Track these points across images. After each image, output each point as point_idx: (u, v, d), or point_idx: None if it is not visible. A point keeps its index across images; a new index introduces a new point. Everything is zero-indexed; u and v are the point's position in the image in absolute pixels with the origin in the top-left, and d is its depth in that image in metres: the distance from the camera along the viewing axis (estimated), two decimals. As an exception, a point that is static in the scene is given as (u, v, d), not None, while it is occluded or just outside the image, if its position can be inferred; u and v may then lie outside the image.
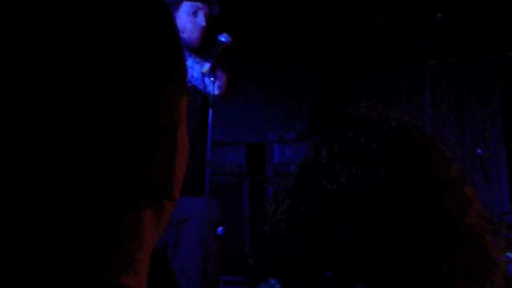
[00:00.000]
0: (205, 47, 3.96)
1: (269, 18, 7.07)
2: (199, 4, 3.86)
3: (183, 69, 0.74)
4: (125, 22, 0.66)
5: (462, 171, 1.17)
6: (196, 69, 3.76)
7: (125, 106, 0.66)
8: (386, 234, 1.05)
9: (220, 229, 3.77)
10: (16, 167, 0.62)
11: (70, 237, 0.65)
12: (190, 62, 3.74)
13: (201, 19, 3.84)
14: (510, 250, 4.84)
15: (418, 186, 1.07)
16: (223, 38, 3.85)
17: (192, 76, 3.73)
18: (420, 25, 6.93)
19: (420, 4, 6.86)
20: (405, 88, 8.13)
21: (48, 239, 0.64)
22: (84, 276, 0.64)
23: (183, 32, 3.78)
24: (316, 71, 8.51)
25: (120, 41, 0.66)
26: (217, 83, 3.75)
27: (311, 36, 7.88)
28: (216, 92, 3.75)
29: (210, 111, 3.67)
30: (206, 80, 3.76)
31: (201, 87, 3.77)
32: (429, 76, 7.04)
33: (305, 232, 1.08)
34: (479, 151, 5.91)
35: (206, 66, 3.72)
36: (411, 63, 7.72)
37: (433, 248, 1.05)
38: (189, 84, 3.72)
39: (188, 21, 3.83)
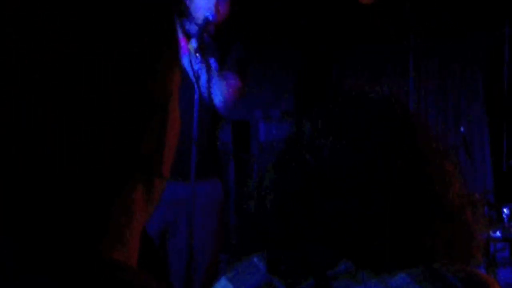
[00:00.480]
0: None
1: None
2: None
3: (175, 45, 0.74)
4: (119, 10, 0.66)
5: (444, 147, 1.18)
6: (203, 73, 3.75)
7: (117, 77, 0.66)
8: (372, 207, 1.06)
9: None
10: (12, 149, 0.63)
11: (61, 211, 0.65)
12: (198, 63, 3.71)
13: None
14: (492, 229, 4.88)
15: (402, 158, 1.08)
16: (208, 14, 3.81)
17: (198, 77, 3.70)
18: (405, 2, 6.95)
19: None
20: (390, 66, 8.15)
21: (40, 216, 0.65)
22: (74, 250, 0.64)
23: (199, 11, 3.77)
24: (302, 48, 8.50)
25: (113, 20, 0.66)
26: (223, 87, 3.76)
27: (297, 12, 7.87)
28: (219, 99, 3.76)
29: (196, 88, 3.65)
30: (214, 84, 3.77)
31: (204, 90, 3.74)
32: (413, 54, 7.07)
33: (289, 207, 1.09)
34: (462, 128, 5.95)
35: (193, 45, 3.69)
36: (396, 41, 7.72)
37: (417, 220, 1.07)
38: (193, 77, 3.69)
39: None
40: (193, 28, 3.77)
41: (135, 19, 0.67)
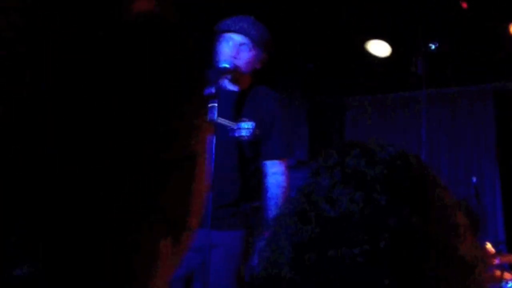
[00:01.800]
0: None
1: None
2: (229, 34, 3.92)
3: (201, 102, 0.73)
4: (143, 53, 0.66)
5: (456, 198, 1.19)
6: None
7: (134, 141, 0.65)
8: (387, 260, 1.07)
9: None
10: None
11: (86, 268, 0.64)
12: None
13: (230, 47, 3.88)
14: (505, 280, 4.86)
15: (416, 212, 1.10)
16: (225, 64, 3.86)
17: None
18: (417, 53, 7.00)
19: (416, 32, 6.91)
20: (402, 116, 8.17)
21: (62, 267, 0.65)
22: None
23: (224, 61, 3.85)
24: (315, 96, 8.54)
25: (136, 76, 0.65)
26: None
27: (309, 62, 7.93)
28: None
29: (213, 139, 3.65)
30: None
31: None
32: (426, 104, 7.11)
33: (307, 257, 1.10)
34: (474, 179, 5.95)
35: (209, 92, 3.70)
36: (409, 91, 7.76)
37: (428, 275, 1.08)
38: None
39: (223, 49, 3.90)
40: (213, 76, 3.82)
41: (168, 61, 0.67)
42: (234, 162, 3.91)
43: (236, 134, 3.91)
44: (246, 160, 3.96)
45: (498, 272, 4.87)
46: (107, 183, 0.63)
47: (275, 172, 3.95)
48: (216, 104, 3.64)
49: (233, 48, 3.87)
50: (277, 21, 6.85)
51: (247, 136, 3.91)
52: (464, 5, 6.39)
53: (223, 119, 3.85)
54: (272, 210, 3.77)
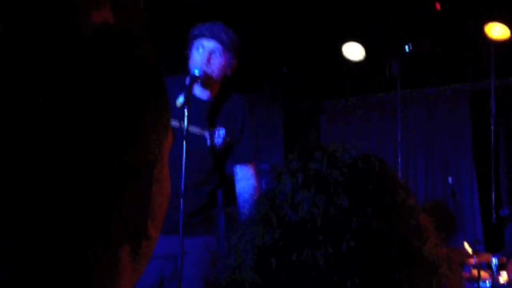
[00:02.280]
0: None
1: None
2: (200, 40, 3.90)
3: (162, 110, 0.73)
4: (101, 59, 0.66)
5: (417, 201, 1.19)
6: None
7: (94, 145, 0.65)
8: (350, 262, 1.07)
9: None
10: None
11: (47, 276, 0.64)
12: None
13: (204, 55, 3.86)
14: (482, 280, 4.89)
15: (378, 214, 1.10)
16: (196, 70, 3.86)
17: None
18: (391, 55, 7.03)
19: (390, 35, 6.94)
20: (378, 118, 8.21)
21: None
22: None
23: (195, 68, 3.83)
24: (289, 102, 8.56)
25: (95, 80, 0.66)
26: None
27: (283, 65, 7.95)
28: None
29: (184, 144, 3.66)
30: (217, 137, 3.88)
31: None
32: (401, 106, 7.13)
33: (270, 260, 1.10)
34: (450, 179, 5.98)
35: (181, 99, 3.70)
36: (384, 93, 7.80)
37: (391, 277, 1.08)
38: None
39: (195, 56, 3.88)
40: (185, 83, 3.81)
41: (118, 73, 0.67)
42: (206, 169, 3.93)
43: (208, 142, 3.91)
44: (217, 167, 3.98)
45: (475, 272, 4.90)
46: (62, 190, 0.62)
47: (246, 177, 3.99)
48: (186, 112, 3.64)
49: (204, 55, 3.86)
50: (251, 25, 6.86)
51: (218, 143, 3.93)
52: (438, 6, 6.42)
53: (194, 127, 3.84)
54: (246, 214, 3.77)
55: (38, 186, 0.64)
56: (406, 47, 6.91)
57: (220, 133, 3.94)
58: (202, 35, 3.90)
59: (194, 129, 3.85)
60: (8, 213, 0.64)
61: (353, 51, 7.23)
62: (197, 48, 3.89)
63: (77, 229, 0.66)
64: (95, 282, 0.67)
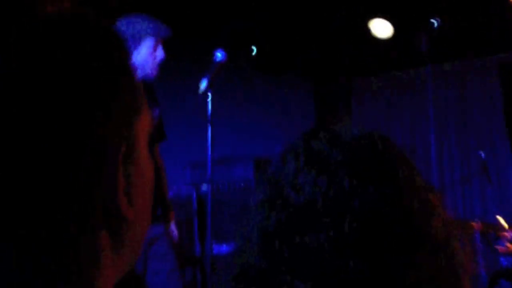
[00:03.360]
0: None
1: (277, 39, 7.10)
2: (158, 38, 3.86)
3: (126, 90, 0.73)
4: (70, 42, 0.67)
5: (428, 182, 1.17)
6: None
7: (65, 122, 0.65)
8: (352, 243, 1.06)
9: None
10: None
11: (25, 266, 0.65)
12: None
13: (161, 53, 3.83)
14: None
15: (381, 192, 1.08)
16: (219, 54, 3.87)
17: None
18: (419, 30, 6.96)
19: (417, 9, 6.87)
20: (409, 93, 8.13)
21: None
22: None
23: (143, 66, 3.79)
24: (320, 80, 8.53)
25: (62, 57, 0.66)
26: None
27: (310, 45, 7.90)
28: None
29: (209, 128, 3.69)
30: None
31: None
32: (431, 80, 7.06)
33: (275, 244, 1.09)
34: (481, 153, 5.90)
35: (203, 84, 3.73)
36: (413, 69, 7.73)
37: (399, 255, 1.07)
38: None
39: (149, 55, 3.81)
40: None
41: (81, 42, 0.67)
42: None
43: None
44: None
45: (510, 245, 4.85)
46: (39, 173, 0.63)
47: None
48: (210, 96, 3.68)
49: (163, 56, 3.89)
50: (282, 7, 6.84)
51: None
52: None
53: None
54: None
55: (5, 172, 0.64)
56: (434, 21, 6.82)
57: (157, 112, 3.99)
58: (153, 35, 3.85)
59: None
60: None
61: (381, 27, 7.17)
62: (150, 48, 3.83)
63: (50, 214, 0.65)
64: (74, 268, 0.67)
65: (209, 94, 3.70)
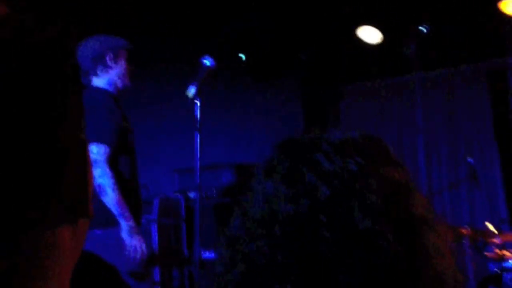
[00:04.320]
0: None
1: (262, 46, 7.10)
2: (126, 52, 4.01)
3: (79, 95, 0.73)
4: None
5: (410, 175, 1.15)
6: None
7: (29, 123, 0.66)
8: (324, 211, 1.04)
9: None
10: None
11: None
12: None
13: (123, 64, 3.98)
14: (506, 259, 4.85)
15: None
16: (207, 61, 3.86)
17: None
18: (408, 37, 6.97)
19: (406, 16, 6.89)
20: (397, 101, 8.15)
21: None
22: None
23: (115, 82, 3.95)
24: (307, 84, 8.54)
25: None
26: None
27: (299, 51, 7.92)
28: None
29: (197, 134, 3.68)
30: None
31: None
32: (420, 87, 7.08)
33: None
34: (469, 159, 5.92)
35: (192, 90, 3.72)
36: (402, 76, 7.74)
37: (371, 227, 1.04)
38: None
39: (115, 69, 3.95)
40: None
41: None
42: None
43: None
44: None
45: (499, 251, 4.86)
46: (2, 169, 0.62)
47: None
48: (198, 103, 3.69)
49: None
50: (268, 12, 6.85)
51: None
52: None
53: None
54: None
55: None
56: (423, 28, 6.84)
57: None
58: (120, 48, 4.01)
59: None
60: None
61: (370, 34, 7.19)
62: (127, 61, 4.00)
63: (15, 213, 0.65)
64: (35, 265, 0.67)
65: (197, 100, 3.69)
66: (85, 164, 0.74)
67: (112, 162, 3.74)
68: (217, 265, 1.11)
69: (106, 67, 3.89)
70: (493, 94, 7.56)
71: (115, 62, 3.92)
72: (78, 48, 3.78)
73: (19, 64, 0.70)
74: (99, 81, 3.87)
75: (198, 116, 3.70)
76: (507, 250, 4.87)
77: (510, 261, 4.75)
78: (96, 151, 3.65)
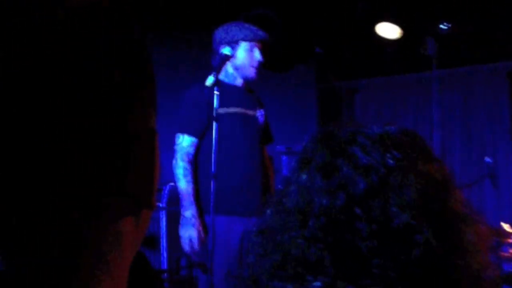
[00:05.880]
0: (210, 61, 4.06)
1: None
2: (249, 44, 4.04)
3: (152, 87, 0.75)
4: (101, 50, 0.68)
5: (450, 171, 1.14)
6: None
7: (98, 116, 0.68)
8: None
9: None
10: None
11: (43, 250, 0.66)
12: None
13: (257, 55, 4.04)
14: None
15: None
16: (225, 50, 3.88)
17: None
18: (427, 34, 6.96)
19: (425, 13, 6.87)
20: (414, 98, 8.13)
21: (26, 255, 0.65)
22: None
23: (242, 69, 4.05)
24: (322, 81, 8.54)
25: (95, 64, 0.67)
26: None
27: (319, 46, 7.91)
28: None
29: (216, 125, 3.68)
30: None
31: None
32: (437, 85, 7.07)
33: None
34: (487, 159, 5.88)
35: (211, 79, 3.74)
36: (420, 72, 7.73)
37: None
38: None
39: (246, 58, 4.04)
40: (215, 62, 3.96)
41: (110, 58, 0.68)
42: (259, 149, 4.15)
43: (259, 121, 4.17)
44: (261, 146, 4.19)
45: (513, 252, 4.84)
46: (67, 161, 0.64)
47: (269, 155, 4.36)
48: (216, 92, 3.69)
49: (257, 60, 4.08)
50: (285, 5, 6.83)
51: (261, 123, 4.19)
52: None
53: (248, 110, 4.08)
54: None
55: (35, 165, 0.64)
56: (444, 26, 6.83)
57: (262, 113, 4.21)
58: (249, 39, 4.05)
59: (250, 111, 4.09)
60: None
61: (389, 30, 7.16)
62: (247, 51, 4.05)
63: (80, 204, 0.66)
64: (98, 258, 0.69)
65: (216, 90, 3.69)
66: (152, 154, 0.75)
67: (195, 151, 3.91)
68: (249, 254, 1.12)
69: (237, 55, 4.06)
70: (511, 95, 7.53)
71: (248, 53, 4.08)
72: (216, 29, 4.12)
73: (93, 44, 0.71)
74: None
75: (217, 105, 3.69)
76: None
77: (525, 263, 4.72)
78: (175, 141, 3.88)
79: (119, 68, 0.70)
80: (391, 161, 1.06)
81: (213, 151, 3.66)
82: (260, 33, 4.08)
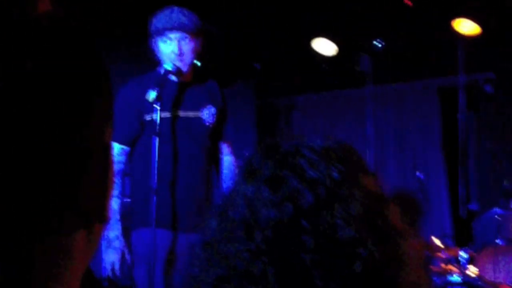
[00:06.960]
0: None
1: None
2: (173, 33, 3.88)
3: (107, 100, 0.74)
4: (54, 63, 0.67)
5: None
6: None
7: (48, 132, 0.66)
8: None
9: None
10: None
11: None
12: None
13: (174, 47, 3.87)
14: (450, 273, 4.93)
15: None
16: (167, 65, 3.85)
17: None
18: (362, 51, 7.06)
19: (360, 30, 6.96)
20: (349, 112, 8.21)
21: None
22: None
23: (167, 62, 3.89)
24: (260, 97, 8.56)
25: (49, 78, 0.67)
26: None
27: (255, 60, 7.93)
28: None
29: (155, 139, 3.65)
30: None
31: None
32: (371, 100, 7.16)
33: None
34: (418, 174, 6.00)
35: (152, 94, 3.68)
36: (355, 89, 7.81)
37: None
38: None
39: (163, 50, 3.91)
40: (156, 79, 3.83)
41: (63, 62, 0.68)
42: (206, 149, 4.02)
43: (204, 121, 4.01)
44: (210, 147, 4.07)
45: (444, 266, 4.94)
46: (17, 177, 0.62)
47: (230, 153, 4.18)
48: (158, 107, 3.64)
49: (173, 48, 3.89)
50: (223, 21, 6.84)
51: (210, 122, 4.04)
52: (409, 1, 6.45)
53: (187, 111, 3.93)
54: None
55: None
56: (378, 43, 6.93)
57: (211, 111, 4.04)
58: (166, 29, 3.89)
59: (188, 113, 3.93)
60: None
61: (325, 46, 7.24)
62: (165, 42, 3.90)
63: (32, 220, 0.65)
64: (50, 271, 0.67)
65: (157, 105, 3.67)
66: (105, 168, 0.74)
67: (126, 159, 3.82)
68: (192, 266, 1.10)
69: (160, 46, 3.99)
70: (443, 112, 7.67)
71: (170, 43, 3.95)
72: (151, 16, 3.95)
73: (48, 59, 0.70)
74: None
75: (158, 120, 3.67)
76: (452, 265, 4.95)
77: (455, 275, 4.83)
78: None
79: (71, 81, 0.70)
80: (336, 174, 1.08)
81: (152, 166, 3.60)
82: (180, 22, 3.90)
